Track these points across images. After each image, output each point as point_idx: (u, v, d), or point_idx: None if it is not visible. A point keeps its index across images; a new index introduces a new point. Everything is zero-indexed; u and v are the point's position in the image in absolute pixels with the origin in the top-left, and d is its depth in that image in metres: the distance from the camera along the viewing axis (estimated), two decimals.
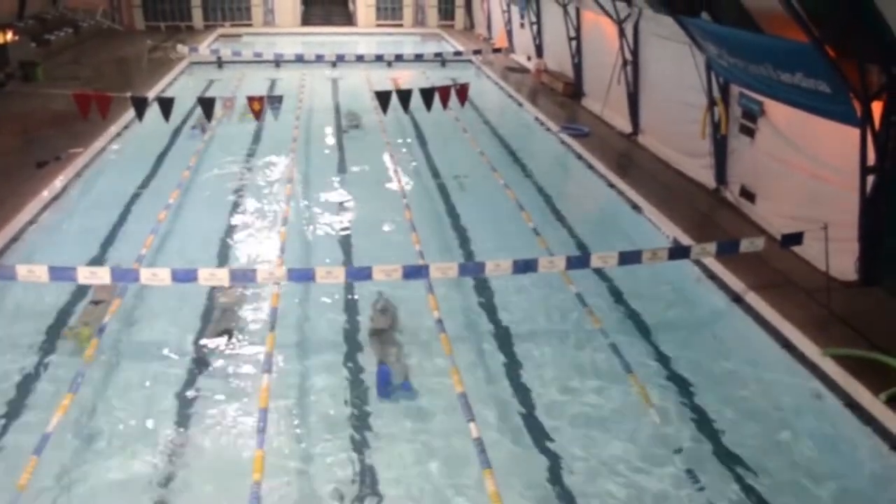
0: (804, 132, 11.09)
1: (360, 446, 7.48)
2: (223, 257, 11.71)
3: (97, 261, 11.36)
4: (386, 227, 12.91)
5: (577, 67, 22.10)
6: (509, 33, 29.88)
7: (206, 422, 7.84)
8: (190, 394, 8.29)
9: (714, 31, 11.45)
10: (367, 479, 7.06)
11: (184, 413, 7.98)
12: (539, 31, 25.66)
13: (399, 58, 27.01)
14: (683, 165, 15.25)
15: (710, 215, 12.97)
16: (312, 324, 9.81)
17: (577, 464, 7.32)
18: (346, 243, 12.32)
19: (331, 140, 18.58)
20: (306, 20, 38.74)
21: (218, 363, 8.86)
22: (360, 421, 7.88)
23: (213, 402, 8.14)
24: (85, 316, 9.43)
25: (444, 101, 14.49)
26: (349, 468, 7.18)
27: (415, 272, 9.01)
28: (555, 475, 7.17)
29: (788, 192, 11.66)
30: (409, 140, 18.41)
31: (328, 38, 34.73)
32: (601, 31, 19.54)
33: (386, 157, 16.63)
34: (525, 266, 9.06)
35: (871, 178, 9.56)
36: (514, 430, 7.81)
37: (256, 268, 9.95)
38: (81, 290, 10.08)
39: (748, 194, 12.87)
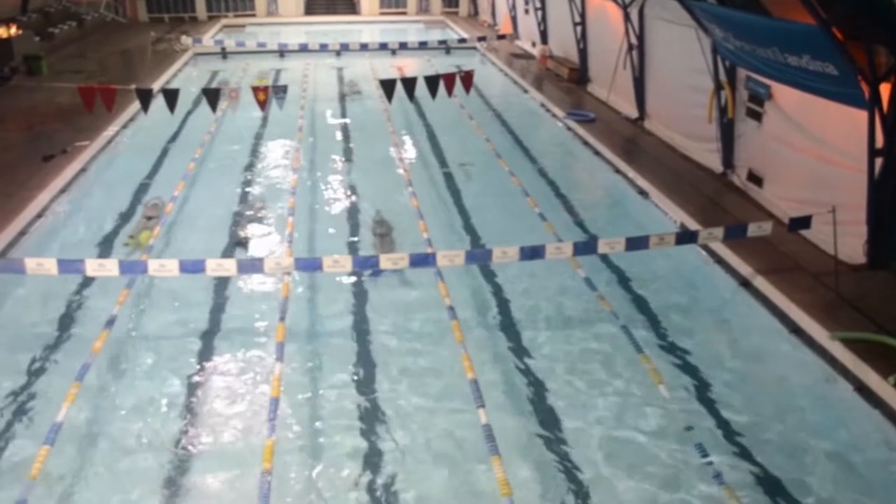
0: (812, 115, 11.05)
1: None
2: (230, 248, 11.76)
3: (107, 247, 11.56)
4: (393, 216, 12.92)
5: (583, 53, 22.01)
6: (514, 19, 29.75)
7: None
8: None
9: (720, 14, 11.40)
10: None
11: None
12: (544, 17, 25.54)
13: (403, 46, 26.94)
14: (690, 150, 15.21)
15: (717, 200, 12.93)
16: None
17: (587, 445, 7.38)
18: (353, 232, 12.35)
19: (335, 128, 18.58)
20: (309, 9, 38.68)
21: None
22: None
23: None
24: (141, 227, 12.11)
25: (449, 89, 14.48)
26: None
27: (422, 260, 9.04)
28: (563, 455, 7.23)
29: (796, 175, 11.62)
30: (414, 128, 18.39)
31: (331, 27, 34.67)
32: (606, 16, 19.45)
33: (391, 145, 16.64)
34: (532, 253, 9.08)
35: (878, 161, 9.52)
36: (524, 413, 7.86)
37: (264, 258, 9.97)
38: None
39: (755, 178, 12.83)
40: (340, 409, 7.94)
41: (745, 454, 7.27)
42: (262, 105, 13.95)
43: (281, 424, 7.44)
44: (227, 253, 11.48)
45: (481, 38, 28.35)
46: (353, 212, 13.15)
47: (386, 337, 9.29)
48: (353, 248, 11.85)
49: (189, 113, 18.50)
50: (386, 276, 10.46)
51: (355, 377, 8.48)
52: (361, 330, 9.43)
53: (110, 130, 16.81)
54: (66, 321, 9.58)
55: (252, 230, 12.35)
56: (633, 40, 17.50)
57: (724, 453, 7.25)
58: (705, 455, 7.09)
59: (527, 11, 27.70)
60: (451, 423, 7.69)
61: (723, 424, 7.69)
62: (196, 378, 8.45)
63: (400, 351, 9.00)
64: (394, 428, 7.64)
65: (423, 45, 27.26)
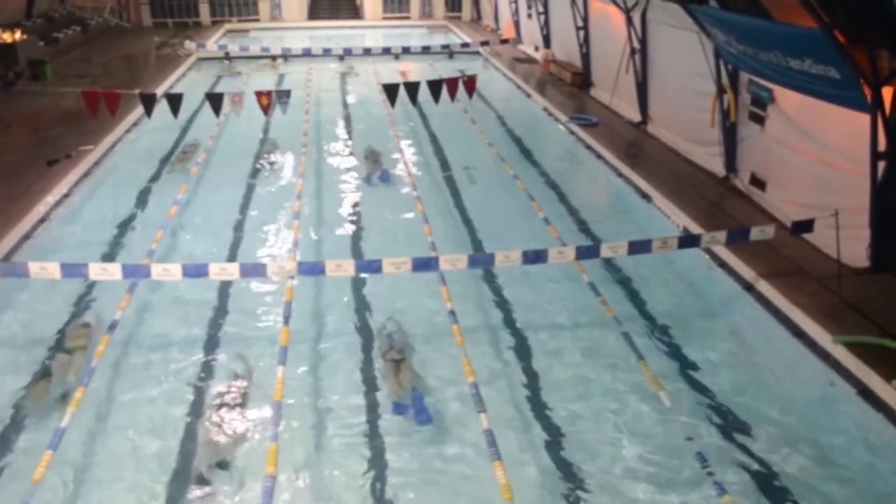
0: (814, 119, 11.04)
1: None
2: (234, 253, 11.81)
3: (111, 249, 11.67)
4: (397, 220, 12.95)
5: (585, 57, 22.03)
6: (517, 24, 29.79)
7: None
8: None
9: (722, 18, 11.40)
10: None
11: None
12: (546, 21, 25.58)
13: (406, 50, 26.99)
14: (693, 154, 15.20)
15: (720, 204, 12.93)
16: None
17: (587, 454, 7.37)
18: (356, 237, 12.38)
19: (338, 132, 18.62)
20: (313, 14, 38.75)
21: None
22: None
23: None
24: (181, 156, 15.97)
25: (452, 93, 14.45)
26: None
27: (424, 264, 9.05)
28: (564, 464, 7.22)
29: (799, 179, 11.61)
30: (417, 132, 18.43)
31: (335, 32, 34.75)
32: (609, 20, 19.46)
33: (394, 150, 16.68)
34: (535, 257, 9.08)
35: (881, 165, 9.50)
36: (526, 419, 7.84)
37: (267, 263, 9.99)
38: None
39: (758, 182, 12.82)
40: (344, 413, 7.92)
41: (747, 460, 7.23)
42: (266, 110, 13.93)
43: (284, 428, 7.45)
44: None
45: (484, 43, 28.40)
46: (354, 215, 13.19)
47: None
48: (355, 248, 11.90)
49: (193, 116, 18.54)
50: (386, 277, 10.36)
51: (359, 380, 8.48)
52: (365, 333, 9.45)
53: (114, 135, 16.86)
54: (68, 324, 9.57)
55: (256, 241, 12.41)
56: (636, 44, 17.51)
57: (725, 461, 7.21)
58: (706, 465, 7.07)
59: (530, 16, 27.76)
60: (453, 427, 7.68)
61: (725, 430, 7.66)
62: (198, 381, 8.45)
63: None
64: (397, 431, 7.62)
65: (426, 50, 27.33)
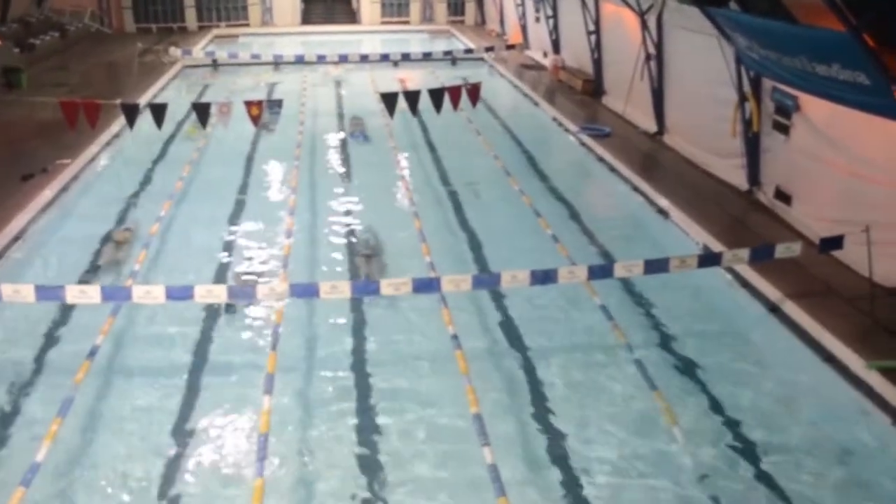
0: (843, 128, 11.06)
1: None
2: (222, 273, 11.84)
3: (90, 269, 11.70)
4: (395, 238, 12.97)
5: (597, 63, 22.14)
6: (524, 28, 29.97)
7: None
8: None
9: (743, 22, 11.44)
10: None
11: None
12: (555, 26, 25.73)
13: (406, 57, 27.12)
14: (713, 166, 15.24)
15: (742, 219, 12.95)
16: None
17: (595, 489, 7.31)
18: (353, 255, 12.38)
19: (335, 145, 18.70)
20: (307, 19, 38.98)
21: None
22: None
23: None
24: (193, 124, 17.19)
25: (455, 102, 14.52)
26: None
27: (426, 285, 9.05)
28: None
29: (827, 192, 11.62)
30: (417, 144, 18.50)
31: (330, 38, 34.95)
32: (622, 24, 19.58)
33: (393, 163, 16.75)
34: (544, 277, 9.05)
35: None
36: (532, 451, 7.81)
37: (256, 284, 10.00)
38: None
39: (784, 196, 12.83)
40: (334, 446, 7.92)
41: (774, 497, 7.18)
42: (256, 120, 14.00)
43: (270, 463, 7.43)
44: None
45: (489, 49, 28.53)
46: (349, 233, 13.23)
47: (385, 366, 9.28)
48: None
49: (176, 129, 18.66)
50: (386, 301, 10.43)
51: (350, 410, 8.46)
52: (358, 358, 9.43)
53: (94, 148, 16.93)
54: (45, 350, 9.58)
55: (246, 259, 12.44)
56: (651, 50, 17.60)
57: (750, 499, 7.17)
58: None
59: (538, 20, 27.91)
60: (455, 459, 7.66)
61: (749, 461, 7.61)
62: (181, 412, 8.43)
63: (400, 382, 8.98)
64: (390, 468, 7.61)
65: (427, 57, 27.43)
